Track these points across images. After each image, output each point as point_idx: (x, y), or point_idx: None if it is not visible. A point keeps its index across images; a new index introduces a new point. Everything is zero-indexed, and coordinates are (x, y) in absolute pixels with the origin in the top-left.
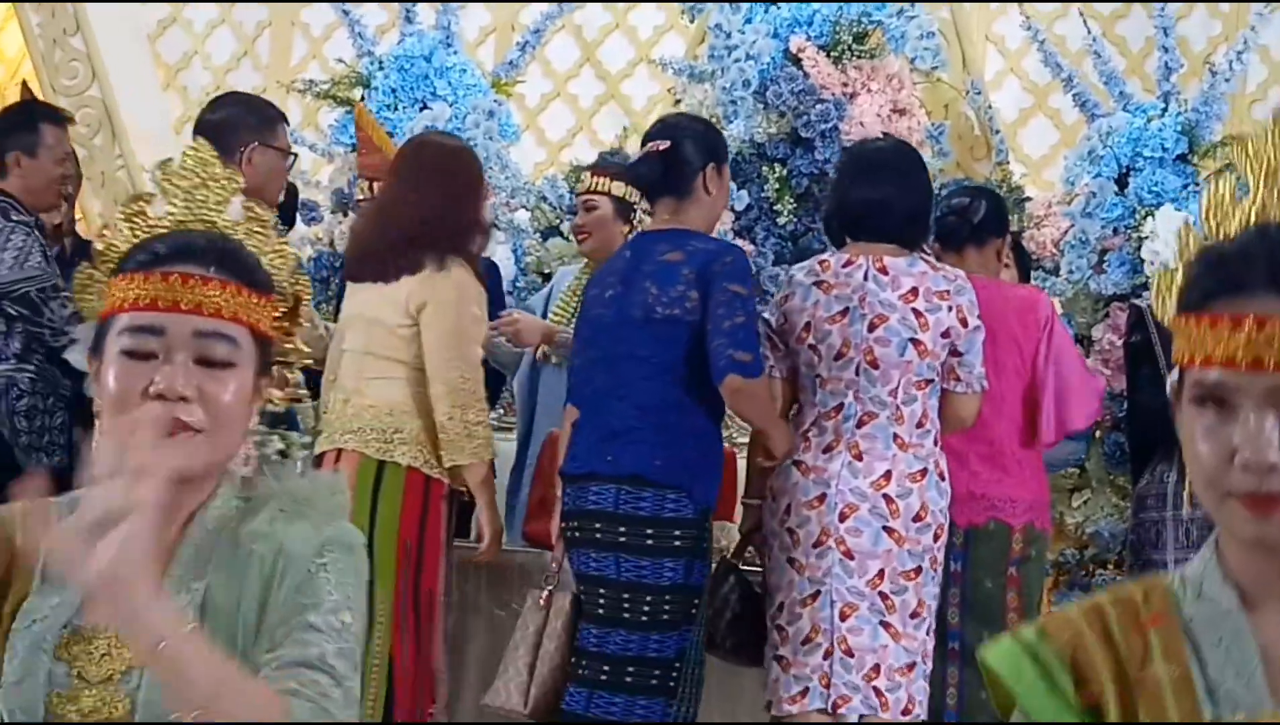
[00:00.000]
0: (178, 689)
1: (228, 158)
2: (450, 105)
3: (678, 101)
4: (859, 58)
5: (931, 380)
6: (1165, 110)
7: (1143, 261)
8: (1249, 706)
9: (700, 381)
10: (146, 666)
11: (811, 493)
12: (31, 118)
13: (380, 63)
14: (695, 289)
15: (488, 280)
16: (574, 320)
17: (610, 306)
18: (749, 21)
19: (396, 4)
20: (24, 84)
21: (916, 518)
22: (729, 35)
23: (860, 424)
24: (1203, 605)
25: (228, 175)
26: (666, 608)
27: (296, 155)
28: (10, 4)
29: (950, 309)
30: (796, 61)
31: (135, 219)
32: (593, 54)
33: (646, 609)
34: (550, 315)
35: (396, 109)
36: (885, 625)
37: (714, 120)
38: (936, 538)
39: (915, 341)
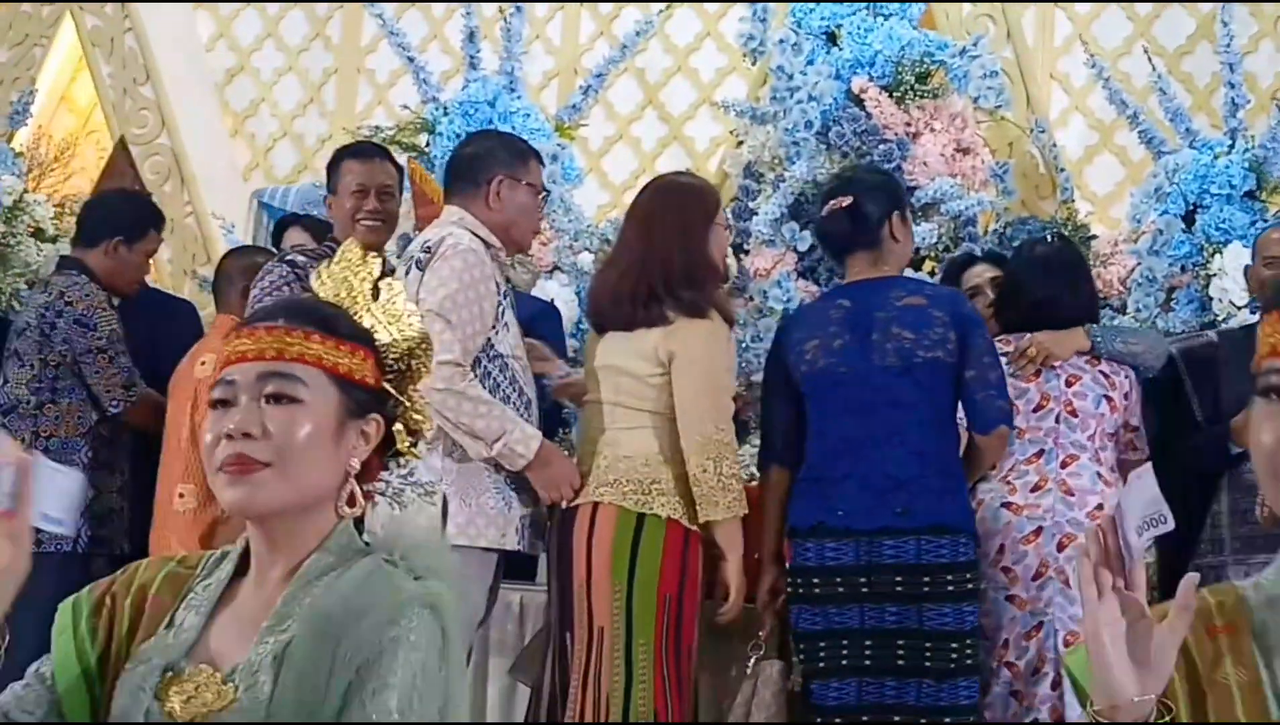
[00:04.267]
0: None
1: (475, 191)
2: None
3: (740, 143)
4: (922, 97)
5: (1116, 434)
6: (1232, 146)
7: (1211, 299)
8: None
9: (954, 424)
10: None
11: (1026, 528)
12: (335, 157)
13: (445, 108)
14: (953, 331)
15: (548, 323)
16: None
17: (845, 356)
18: (811, 63)
19: (461, 50)
20: (120, 140)
21: None
22: (791, 77)
23: (1064, 465)
24: (1274, 613)
25: (370, 264)
26: (969, 652)
27: (549, 192)
28: (81, 54)
29: (1125, 376)
30: (859, 102)
31: None
32: (655, 96)
33: (954, 656)
34: None
35: None
36: None
37: (776, 161)
38: None
39: (1108, 397)
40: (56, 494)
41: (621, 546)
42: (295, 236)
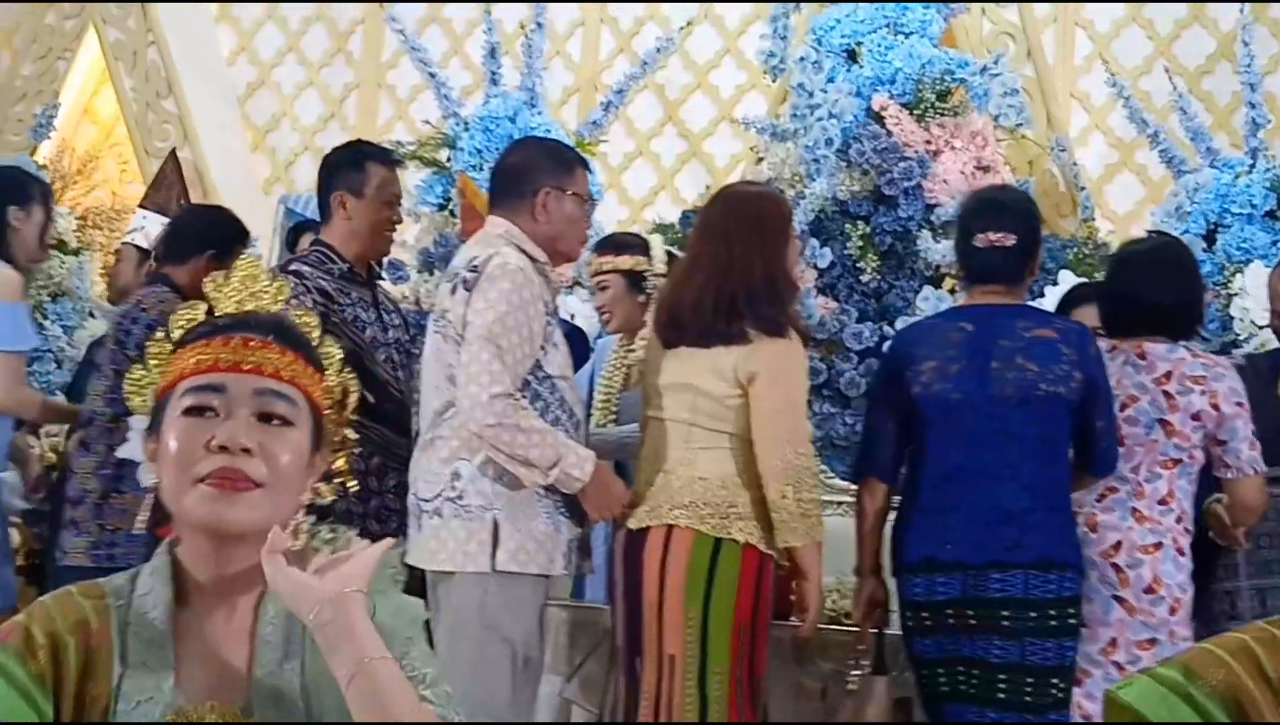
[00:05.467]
0: (375, 708)
1: (521, 202)
2: None
3: (760, 160)
4: (942, 115)
5: (1180, 461)
6: (1253, 166)
7: (1232, 318)
8: None
9: (1067, 458)
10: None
11: None
12: (358, 157)
13: (466, 124)
14: (1079, 370)
15: (573, 343)
16: (618, 395)
17: (961, 383)
18: (831, 80)
19: (482, 66)
20: (172, 152)
21: (1148, 589)
22: (811, 94)
23: (1100, 498)
24: None
25: (276, 287)
26: (1065, 687)
27: (596, 201)
28: (104, 68)
29: (1203, 393)
30: (879, 119)
31: (185, 324)
32: (675, 113)
33: (1053, 691)
34: (597, 391)
35: (482, 169)
36: None
37: (796, 178)
38: (1173, 612)
39: (1163, 422)
40: None
41: (697, 572)
42: (309, 241)
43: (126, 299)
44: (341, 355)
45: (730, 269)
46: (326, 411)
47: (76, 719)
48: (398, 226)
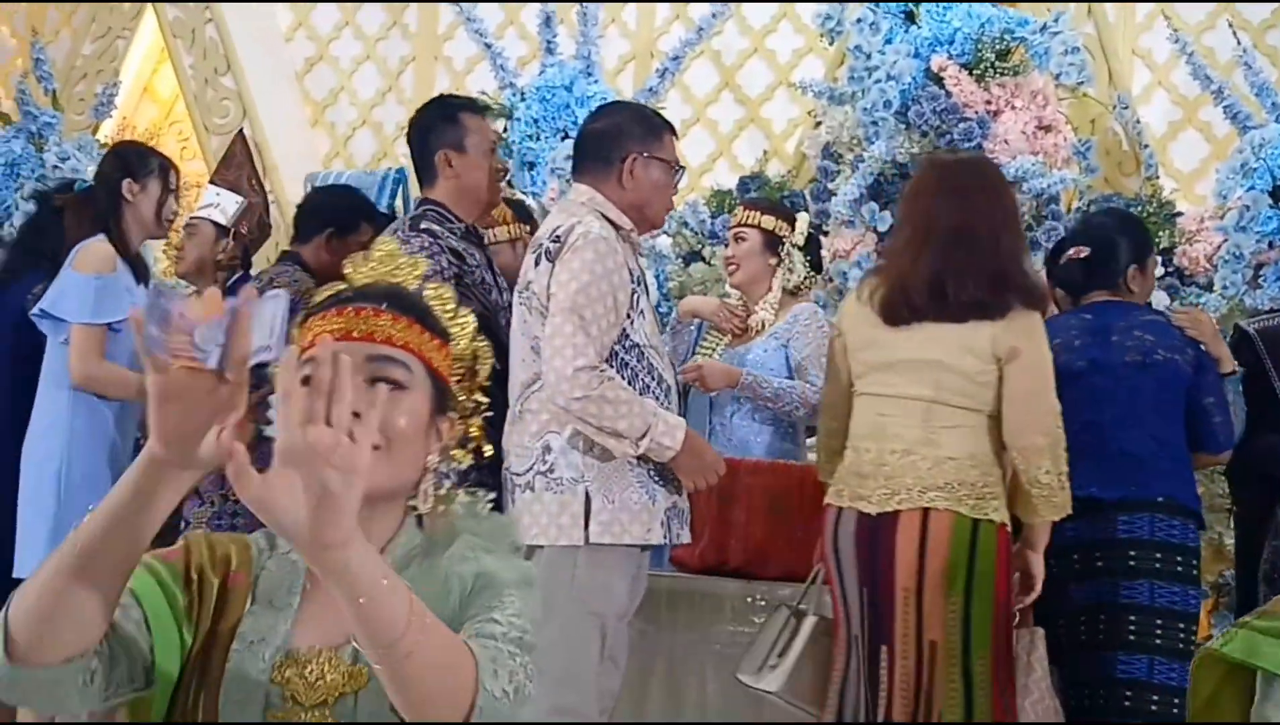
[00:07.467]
0: (373, 628)
1: (607, 169)
2: None
3: (818, 124)
4: (1002, 75)
5: None
6: None
7: None
8: None
9: (1184, 421)
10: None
11: None
12: (449, 110)
13: (522, 94)
14: (1190, 348)
15: None
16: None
17: (1085, 352)
18: (889, 42)
19: (537, 35)
20: (240, 133)
21: None
22: (869, 56)
23: None
24: None
25: (411, 264)
26: (1194, 635)
27: (684, 169)
28: (163, 46)
29: None
30: (938, 80)
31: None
32: (732, 79)
33: (1181, 636)
34: (698, 350)
35: (539, 139)
36: None
37: (855, 142)
38: None
39: None
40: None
41: (958, 556)
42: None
43: (201, 275)
44: (475, 323)
45: (978, 240)
46: (455, 378)
47: (204, 652)
48: (506, 175)
